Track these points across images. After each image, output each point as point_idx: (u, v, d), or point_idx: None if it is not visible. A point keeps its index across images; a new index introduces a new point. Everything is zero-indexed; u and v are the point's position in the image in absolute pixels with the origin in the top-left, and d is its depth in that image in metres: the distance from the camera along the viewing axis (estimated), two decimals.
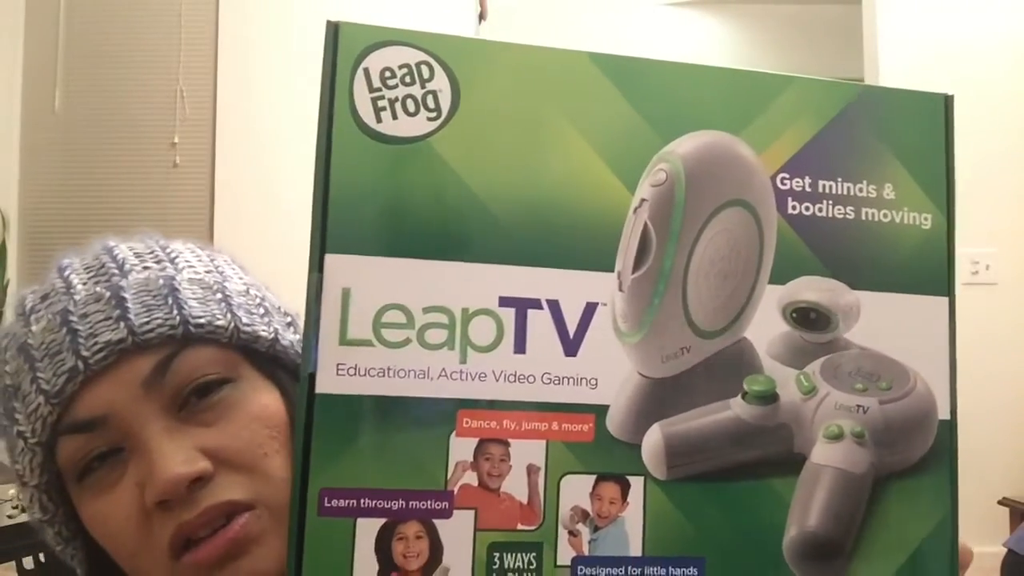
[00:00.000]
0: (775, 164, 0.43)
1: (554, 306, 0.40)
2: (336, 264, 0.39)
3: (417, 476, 0.39)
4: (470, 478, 0.39)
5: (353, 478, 0.38)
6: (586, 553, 0.40)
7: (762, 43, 4.17)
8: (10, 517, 1.57)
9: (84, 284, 0.48)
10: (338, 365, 0.39)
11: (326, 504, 0.38)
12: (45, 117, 2.79)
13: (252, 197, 2.72)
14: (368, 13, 2.65)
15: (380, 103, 0.40)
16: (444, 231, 0.40)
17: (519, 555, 0.39)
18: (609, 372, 0.41)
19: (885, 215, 0.44)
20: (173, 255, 0.51)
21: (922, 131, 0.45)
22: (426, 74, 0.40)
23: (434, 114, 0.40)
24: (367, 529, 0.38)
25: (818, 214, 0.44)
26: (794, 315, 0.43)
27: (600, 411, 0.40)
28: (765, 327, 0.43)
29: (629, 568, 0.40)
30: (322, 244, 0.39)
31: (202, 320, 0.47)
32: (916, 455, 0.43)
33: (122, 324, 0.46)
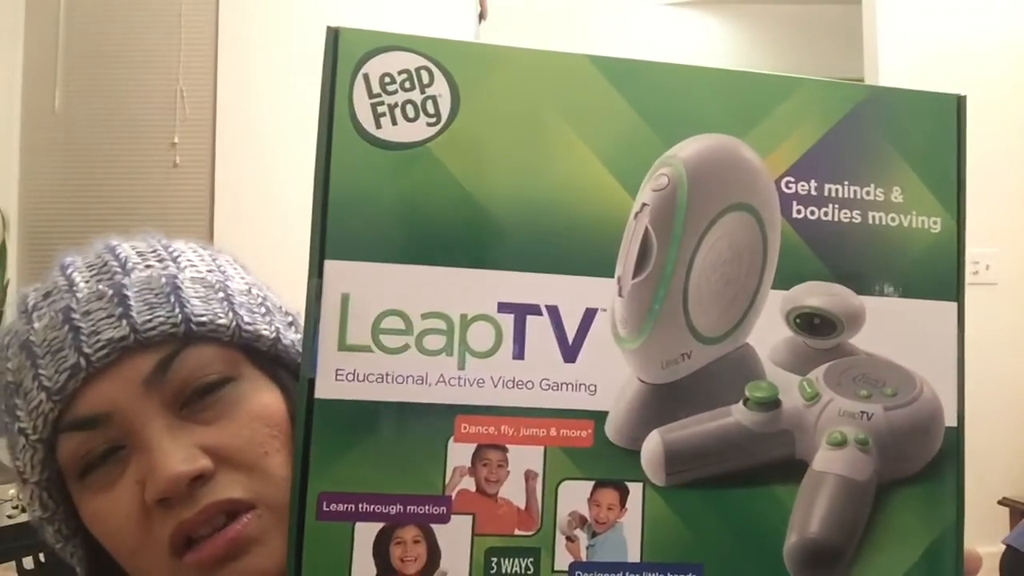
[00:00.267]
0: (781, 167, 0.43)
1: (553, 312, 0.40)
2: (335, 270, 0.39)
3: (415, 481, 0.39)
4: (468, 483, 0.39)
5: (352, 482, 0.38)
6: (584, 559, 0.40)
7: (762, 43, 4.17)
8: (10, 517, 1.57)
9: (87, 282, 0.48)
10: (337, 370, 0.39)
11: (325, 508, 0.38)
12: (45, 117, 2.79)
13: (252, 197, 2.71)
14: (368, 12, 2.65)
15: (380, 109, 0.40)
16: (443, 237, 0.40)
17: (517, 560, 0.39)
18: (608, 378, 0.40)
19: (893, 219, 0.44)
20: (175, 254, 0.51)
21: (932, 133, 0.44)
22: (426, 79, 0.40)
23: (434, 119, 0.40)
24: (365, 533, 0.38)
25: (823, 218, 0.43)
26: (798, 321, 0.42)
27: (599, 417, 0.40)
28: (768, 332, 0.42)
29: (627, 574, 0.40)
30: (321, 250, 0.39)
31: (204, 319, 0.47)
32: (921, 463, 0.43)
33: (124, 322, 0.46)
